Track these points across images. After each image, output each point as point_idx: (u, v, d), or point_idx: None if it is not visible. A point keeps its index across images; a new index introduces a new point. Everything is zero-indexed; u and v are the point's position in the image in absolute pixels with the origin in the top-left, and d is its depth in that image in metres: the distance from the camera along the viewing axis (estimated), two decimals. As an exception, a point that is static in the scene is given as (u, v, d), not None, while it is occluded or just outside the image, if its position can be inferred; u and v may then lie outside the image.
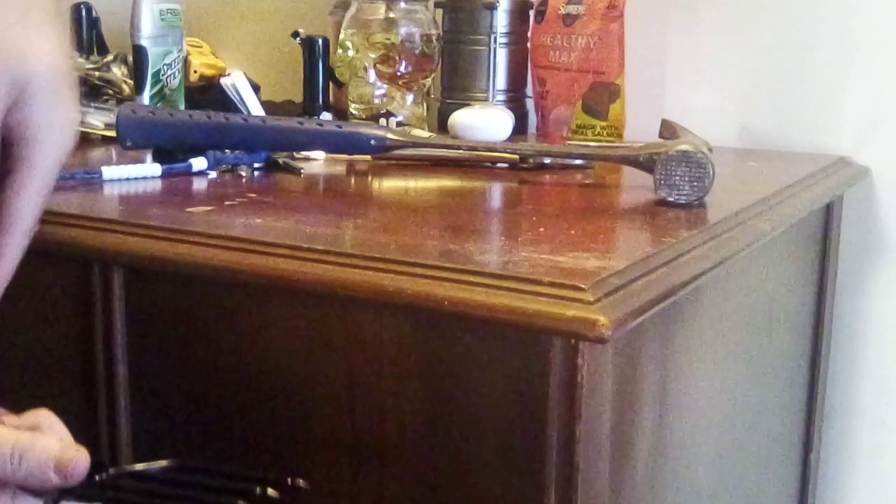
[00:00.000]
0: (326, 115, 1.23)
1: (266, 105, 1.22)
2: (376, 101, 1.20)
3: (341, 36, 1.21)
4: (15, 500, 0.53)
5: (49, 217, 0.71)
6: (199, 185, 0.91)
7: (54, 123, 0.56)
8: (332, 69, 1.25)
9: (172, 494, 0.56)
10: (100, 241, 0.72)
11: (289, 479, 0.56)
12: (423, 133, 1.01)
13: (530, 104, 1.27)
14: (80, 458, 0.53)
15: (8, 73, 0.54)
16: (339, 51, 1.21)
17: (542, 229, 0.74)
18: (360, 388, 0.65)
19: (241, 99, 1.15)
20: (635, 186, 0.92)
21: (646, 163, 0.85)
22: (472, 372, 0.61)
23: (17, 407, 0.58)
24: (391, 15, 1.18)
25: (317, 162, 1.01)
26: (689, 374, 0.77)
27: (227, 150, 0.95)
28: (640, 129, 1.13)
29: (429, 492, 0.64)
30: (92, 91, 1.24)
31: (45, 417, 0.56)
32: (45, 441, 0.53)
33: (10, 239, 0.57)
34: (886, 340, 1.20)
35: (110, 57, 1.30)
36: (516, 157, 1.00)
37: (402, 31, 1.18)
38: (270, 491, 0.55)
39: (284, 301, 0.67)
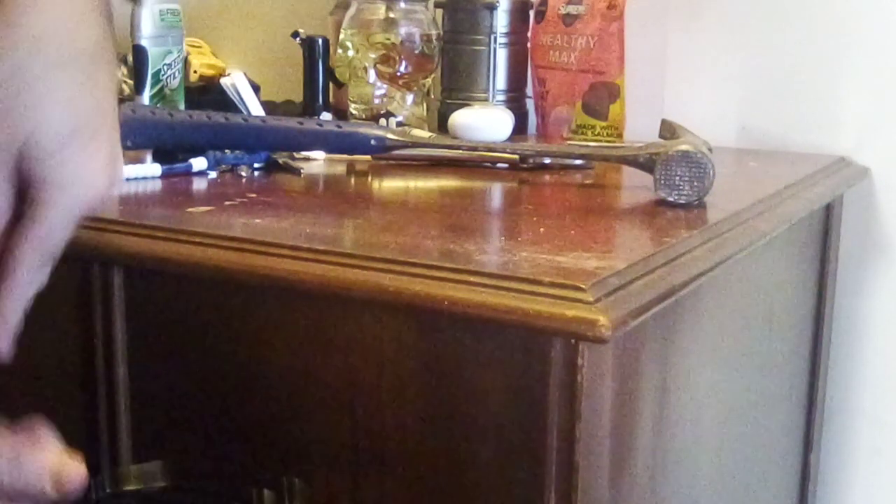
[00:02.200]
0: (326, 115, 1.23)
1: (266, 105, 1.21)
2: (376, 101, 1.20)
3: (341, 36, 1.21)
4: None
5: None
6: (199, 185, 0.91)
7: (65, 178, 0.53)
8: (332, 69, 1.25)
9: None
10: (100, 241, 0.72)
11: (284, 479, 0.56)
12: (423, 133, 1.01)
13: (530, 104, 1.27)
14: (77, 473, 0.52)
15: (10, 123, 0.51)
16: (339, 51, 1.21)
17: (542, 229, 0.74)
18: (360, 388, 0.65)
19: (241, 99, 1.15)
20: (635, 186, 0.92)
21: (646, 163, 0.85)
22: (472, 372, 0.61)
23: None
24: (391, 15, 1.18)
25: (317, 162, 1.01)
26: (689, 373, 0.77)
27: (227, 150, 0.95)
28: (640, 129, 1.12)
29: (429, 492, 0.64)
30: (92, 91, 1.24)
31: (39, 428, 0.56)
32: (44, 453, 0.53)
33: (5, 298, 0.54)
34: (886, 340, 1.20)
35: (110, 57, 1.30)
36: (516, 157, 1.00)
37: (402, 31, 1.18)
38: (266, 493, 0.55)
39: (284, 301, 0.67)
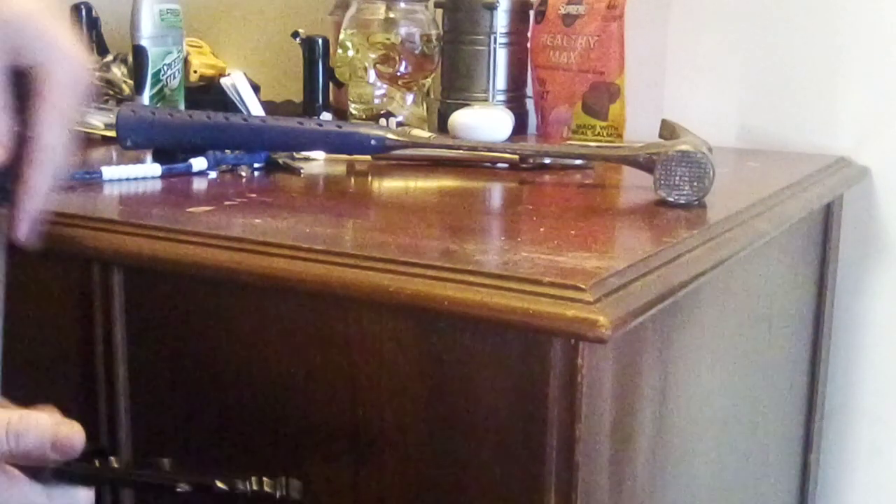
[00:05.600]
0: (326, 115, 1.23)
1: (266, 105, 1.22)
2: (376, 101, 1.20)
3: (341, 36, 1.21)
4: (10, 482, 0.54)
5: (49, 217, 0.71)
6: (199, 185, 0.91)
7: (57, 55, 0.59)
8: (332, 69, 1.25)
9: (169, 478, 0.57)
10: (100, 241, 0.72)
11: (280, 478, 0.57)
12: (423, 133, 1.01)
13: (530, 104, 1.27)
14: (75, 433, 0.54)
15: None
16: (339, 51, 1.21)
17: (542, 229, 0.74)
18: (361, 388, 0.65)
19: (241, 99, 1.15)
20: (635, 186, 0.92)
21: (646, 163, 0.85)
22: (472, 372, 0.61)
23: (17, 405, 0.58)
24: (391, 15, 1.18)
25: (317, 162, 1.01)
26: (689, 373, 0.77)
27: (227, 150, 0.95)
28: (640, 129, 1.13)
29: (429, 492, 0.64)
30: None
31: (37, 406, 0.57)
32: (39, 417, 0.55)
33: (38, 173, 0.60)
34: (886, 340, 1.20)
35: (110, 57, 1.30)
36: (516, 157, 1.00)
37: (402, 31, 1.18)
38: (266, 481, 0.56)
39: (284, 301, 0.67)
